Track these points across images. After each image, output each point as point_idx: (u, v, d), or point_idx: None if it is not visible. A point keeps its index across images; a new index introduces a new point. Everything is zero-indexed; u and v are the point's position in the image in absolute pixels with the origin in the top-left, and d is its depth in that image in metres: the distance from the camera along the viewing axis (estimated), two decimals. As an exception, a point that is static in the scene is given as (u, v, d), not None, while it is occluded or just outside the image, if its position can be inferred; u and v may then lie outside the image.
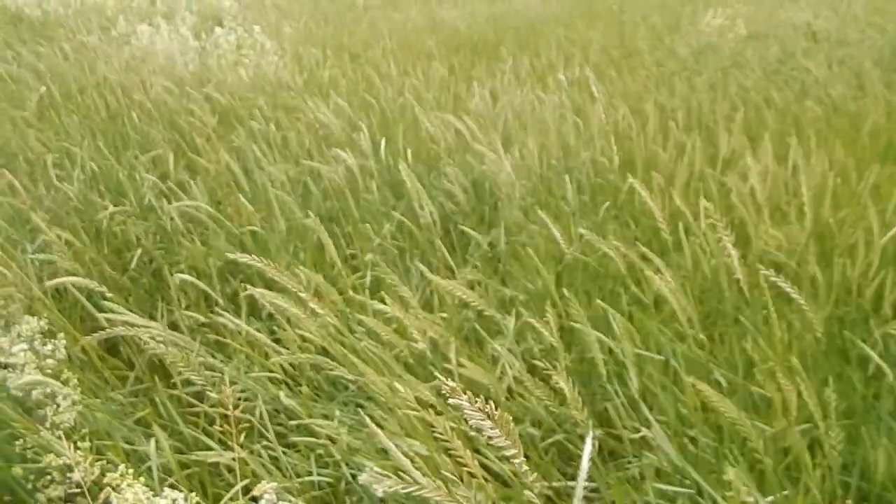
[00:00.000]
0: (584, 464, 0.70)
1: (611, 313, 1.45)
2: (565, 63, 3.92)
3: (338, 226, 2.28)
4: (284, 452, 1.17)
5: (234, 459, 1.02)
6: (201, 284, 1.46)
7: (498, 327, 1.57)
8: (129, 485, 0.75)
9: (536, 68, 3.85)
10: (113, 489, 0.75)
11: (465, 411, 0.62)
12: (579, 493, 0.69)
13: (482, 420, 0.62)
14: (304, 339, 1.30)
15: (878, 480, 1.05)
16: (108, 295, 1.26)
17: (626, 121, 2.58)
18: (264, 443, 1.19)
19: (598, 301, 1.60)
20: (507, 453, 0.64)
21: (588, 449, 0.70)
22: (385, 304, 1.48)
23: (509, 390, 1.41)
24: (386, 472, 0.78)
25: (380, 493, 0.91)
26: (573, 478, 1.30)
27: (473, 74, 3.61)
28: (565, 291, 1.49)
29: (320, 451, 1.17)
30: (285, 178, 2.29)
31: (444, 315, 1.54)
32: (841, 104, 2.95)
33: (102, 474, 0.87)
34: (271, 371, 1.30)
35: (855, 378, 1.25)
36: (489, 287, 1.78)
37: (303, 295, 1.00)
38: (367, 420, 0.75)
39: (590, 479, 1.18)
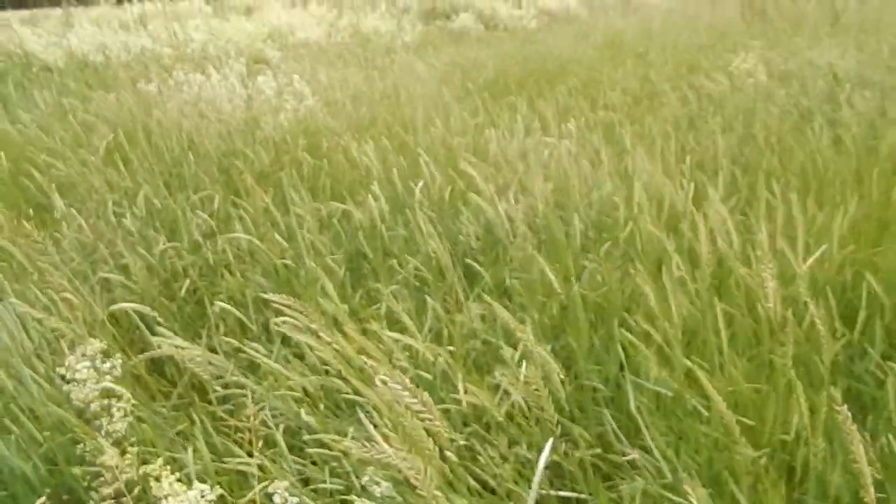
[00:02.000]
0: (540, 466, 0.82)
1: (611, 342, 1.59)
2: (589, 105, 4.09)
3: (366, 262, 2.48)
4: (302, 463, 1.33)
5: (258, 467, 1.18)
6: (237, 313, 1.65)
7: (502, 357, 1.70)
8: (165, 476, 0.92)
9: (560, 109, 4.02)
10: (154, 479, 0.92)
11: (389, 384, 0.78)
12: (534, 493, 0.82)
13: (401, 390, 0.77)
14: (324, 362, 1.46)
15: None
16: (160, 320, 1.45)
17: (637, 163, 2.71)
18: (286, 454, 1.35)
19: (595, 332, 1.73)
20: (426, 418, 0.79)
21: (545, 455, 0.83)
22: (403, 334, 1.65)
23: (510, 415, 1.53)
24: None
25: (378, 494, 1.06)
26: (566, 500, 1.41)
27: (495, 119, 3.80)
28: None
29: (334, 464, 1.32)
30: (319, 217, 2.50)
31: (451, 348, 1.69)
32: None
33: (144, 475, 1.04)
34: (291, 390, 1.46)
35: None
36: (496, 319, 1.92)
37: (314, 326, 1.16)
38: (371, 429, 0.90)
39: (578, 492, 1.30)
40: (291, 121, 3.86)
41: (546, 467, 1.46)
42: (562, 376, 1.25)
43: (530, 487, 1.22)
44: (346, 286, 2.17)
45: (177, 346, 1.33)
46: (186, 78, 4.07)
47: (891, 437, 0.93)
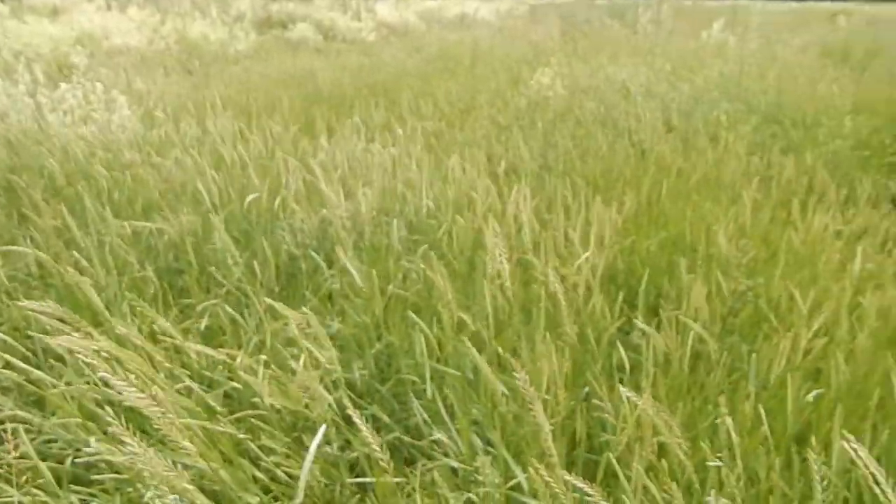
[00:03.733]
0: (311, 453, 0.86)
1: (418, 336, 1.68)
2: (417, 115, 4.25)
3: (180, 277, 2.36)
4: (91, 493, 1.24)
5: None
6: (10, 341, 1.49)
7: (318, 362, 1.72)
8: None
9: (389, 119, 4.14)
10: None
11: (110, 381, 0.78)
12: (303, 478, 0.85)
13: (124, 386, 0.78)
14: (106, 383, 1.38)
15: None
16: None
17: (456, 169, 2.88)
18: (74, 487, 1.25)
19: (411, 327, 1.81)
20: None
21: (316, 440, 0.87)
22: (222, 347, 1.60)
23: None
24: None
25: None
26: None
27: (327, 126, 3.81)
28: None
29: (129, 489, 1.25)
30: (126, 233, 2.33)
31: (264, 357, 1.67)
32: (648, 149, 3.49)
33: None
34: (74, 417, 1.36)
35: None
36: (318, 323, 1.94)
37: (76, 335, 1.10)
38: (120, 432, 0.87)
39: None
40: (100, 132, 3.55)
41: (347, 457, 1.51)
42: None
43: (323, 477, 1.25)
44: (159, 303, 2.05)
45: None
46: (-36, 86, 3.57)
47: (625, 387, 1.10)
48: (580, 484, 0.92)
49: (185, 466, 1.07)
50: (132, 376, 1.13)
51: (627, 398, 0.97)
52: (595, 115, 4.07)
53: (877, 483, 0.85)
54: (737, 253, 2.02)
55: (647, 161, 3.16)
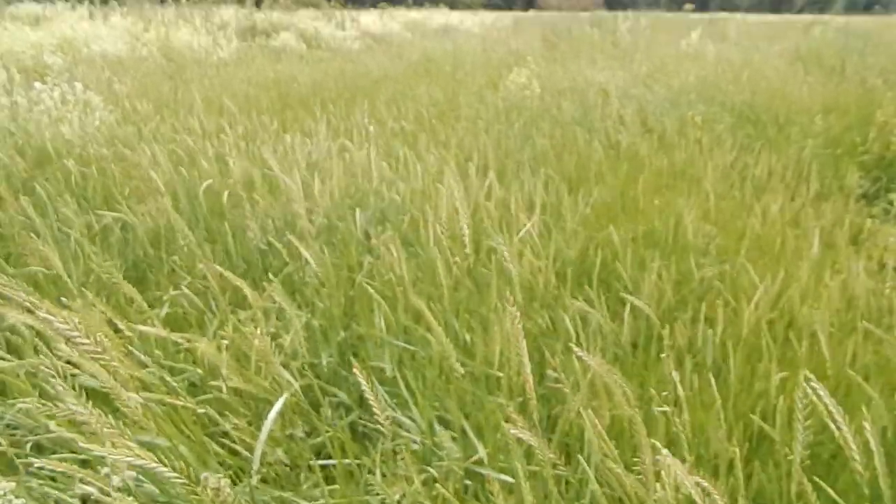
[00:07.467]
0: (269, 422, 0.86)
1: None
2: (395, 116, 4.27)
3: (151, 272, 2.34)
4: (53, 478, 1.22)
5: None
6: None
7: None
8: None
9: (366, 120, 4.15)
10: None
11: (56, 324, 0.77)
12: (260, 445, 0.85)
13: (69, 329, 0.77)
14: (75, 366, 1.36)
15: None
16: None
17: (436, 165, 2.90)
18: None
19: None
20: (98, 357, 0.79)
21: (276, 409, 0.86)
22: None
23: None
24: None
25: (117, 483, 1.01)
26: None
27: (302, 127, 3.81)
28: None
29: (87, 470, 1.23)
30: (92, 226, 2.32)
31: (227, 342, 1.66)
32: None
33: None
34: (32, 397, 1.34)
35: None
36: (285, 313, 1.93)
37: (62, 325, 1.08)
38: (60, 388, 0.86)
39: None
40: (76, 131, 3.53)
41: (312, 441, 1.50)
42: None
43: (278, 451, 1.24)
44: (121, 296, 2.03)
45: None
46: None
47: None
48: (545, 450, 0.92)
49: (150, 445, 1.06)
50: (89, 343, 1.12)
51: (578, 358, 0.97)
52: (572, 115, 4.10)
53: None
54: (703, 240, 2.04)
55: (622, 159, 3.19)
